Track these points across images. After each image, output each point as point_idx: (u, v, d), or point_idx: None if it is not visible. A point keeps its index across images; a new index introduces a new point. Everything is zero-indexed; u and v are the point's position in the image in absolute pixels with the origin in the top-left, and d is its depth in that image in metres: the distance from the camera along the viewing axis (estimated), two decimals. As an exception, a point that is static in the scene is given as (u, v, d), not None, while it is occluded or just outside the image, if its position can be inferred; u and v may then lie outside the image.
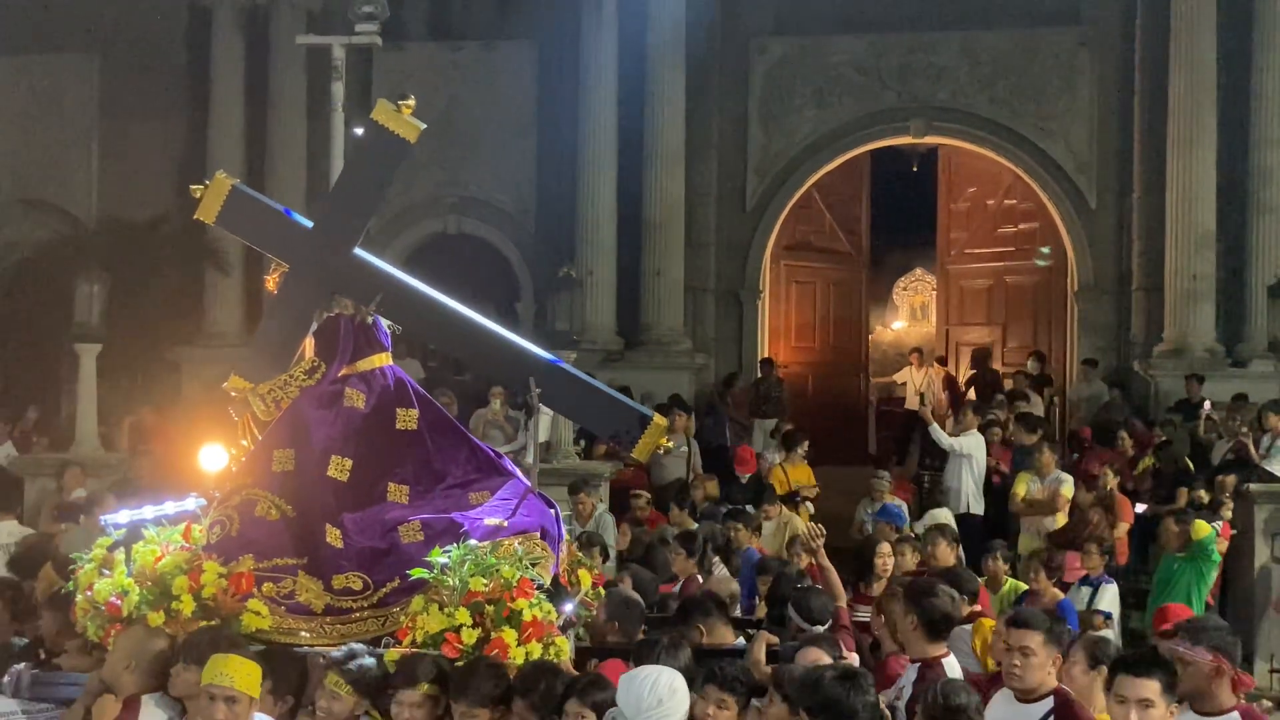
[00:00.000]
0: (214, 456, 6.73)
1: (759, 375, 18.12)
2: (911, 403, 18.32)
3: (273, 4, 18.50)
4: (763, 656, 5.94)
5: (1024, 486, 12.52)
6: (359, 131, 15.80)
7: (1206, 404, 15.00)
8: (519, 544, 5.76)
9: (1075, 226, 18.08)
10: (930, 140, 18.88)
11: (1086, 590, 9.77)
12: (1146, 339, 17.45)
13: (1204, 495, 12.17)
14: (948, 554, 9.12)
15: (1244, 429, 13.65)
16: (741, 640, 6.45)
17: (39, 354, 17.86)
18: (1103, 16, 17.91)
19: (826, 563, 7.36)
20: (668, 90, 17.79)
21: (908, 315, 24.79)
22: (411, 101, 6.48)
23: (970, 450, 13.51)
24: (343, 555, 5.84)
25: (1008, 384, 17.49)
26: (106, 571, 5.83)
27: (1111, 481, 12.40)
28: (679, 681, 4.93)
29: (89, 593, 5.76)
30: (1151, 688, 4.56)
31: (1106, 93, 17.90)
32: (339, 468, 6.07)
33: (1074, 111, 17.96)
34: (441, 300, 6.64)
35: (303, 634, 5.62)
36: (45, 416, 16.27)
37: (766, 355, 18.88)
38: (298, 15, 18.27)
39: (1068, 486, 12.19)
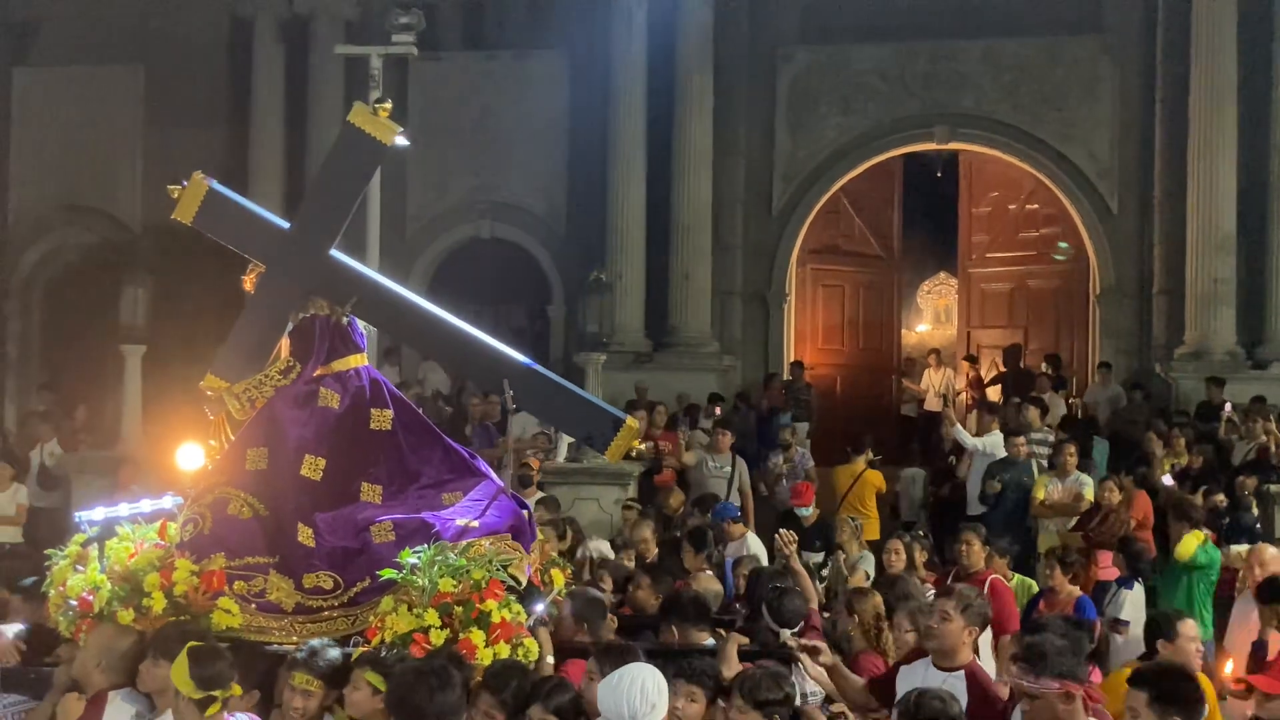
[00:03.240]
0: (191, 455, 6.66)
1: (788, 378, 18.32)
2: (931, 403, 18.46)
3: (312, 15, 18.91)
4: (734, 656, 5.88)
5: (1043, 489, 12.56)
6: (396, 140, 16.27)
7: (1227, 406, 15.08)
8: (489, 544, 5.77)
9: (1097, 231, 18.21)
10: (954, 146, 19.04)
11: (1113, 590, 9.69)
12: (1167, 342, 17.57)
13: (1222, 500, 12.17)
14: (979, 555, 9.15)
15: (1270, 428, 13.78)
16: (712, 640, 6.38)
17: (86, 355, 18.31)
18: (1124, 24, 18.03)
19: (798, 566, 7.46)
20: (696, 97, 18.08)
21: (931, 318, 24.86)
22: (388, 105, 6.46)
23: (991, 449, 13.64)
24: (314, 554, 5.83)
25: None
26: (80, 568, 5.89)
27: (1128, 480, 12.53)
28: (661, 679, 4.88)
29: (62, 588, 5.82)
30: (1139, 698, 4.65)
31: (1128, 99, 18.03)
32: (312, 467, 6.07)
33: (1096, 118, 18.10)
34: (417, 302, 6.71)
35: (273, 632, 5.63)
36: (91, 415, 16.70)
37: (796, 358, 19.05)
38: (336, 26, 18.65)
39: (1089, 489, 12.21)
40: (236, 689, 4.98)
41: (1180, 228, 17.29)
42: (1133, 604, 9.45)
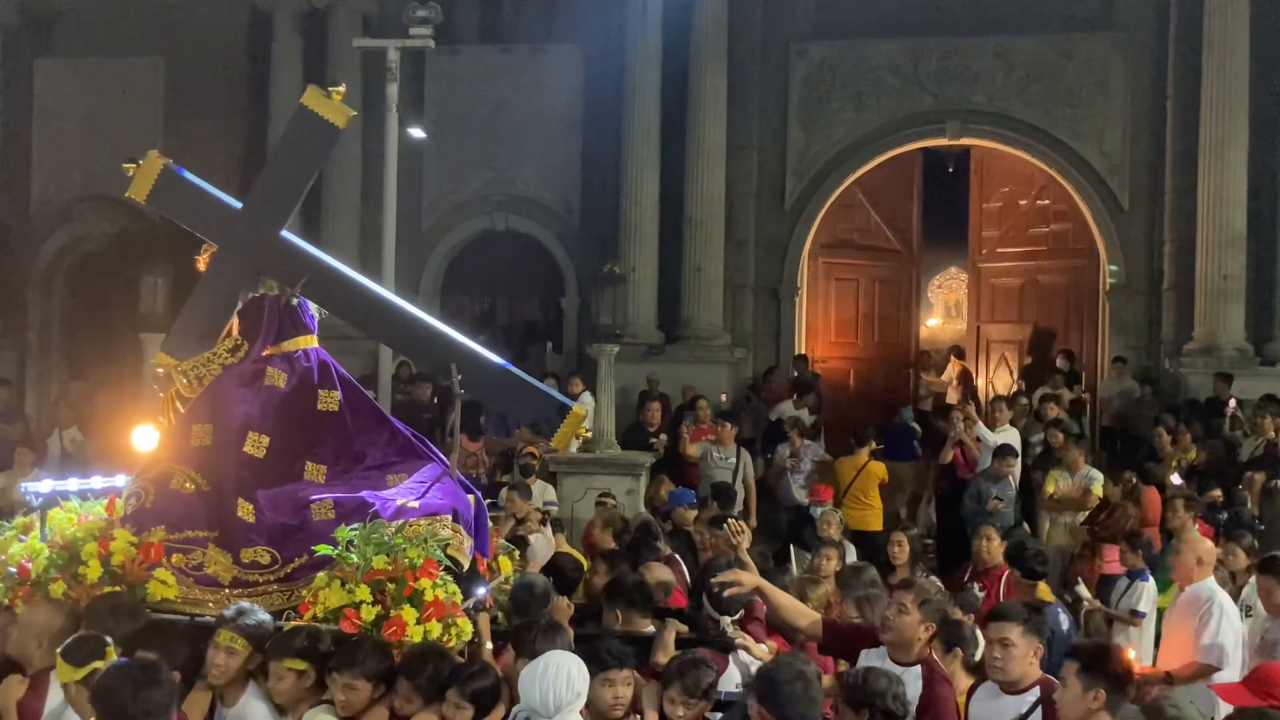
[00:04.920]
0: (146, 436, 6.68)
1: (794, 372, 18.43)
2: (954, 399, 18.47)
3: (330, 8, 19.06)
4: (671, 643, 5.91)
5: (1053, 483, 12.62)
6: (412, 132, 16.45)
7: (1232, 402, 15.11)
8: (427, 525, 5.78)
9: (1108, 227, 18.26)
10: (966, 142, 19.06)
11: (1123, 584, 9.77)
12: (1177, 338, 17.65)
13: (1219, 494, 12.15)
14: (998, 550, 9.21)
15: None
16: (653, 628, 6.32)
17: (106, 342, 18.59)
18: (1136, 21, 18.06)
19: (747, 558, 7.36)
20: (709, 92, 18.20)
21: (942, 313, 24.97)
22: (342, 88, 6.59)
23: (1008, 443, 13.63)
24: (254, 530, 5.90)
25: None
26: (25, 538, 6.04)
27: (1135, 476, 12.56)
28: (584, 667, 4.91)
29: (4, 557, 5.94)
30: (1070, 668, 4.78)
31: (1139, 96, 18.07)
32: (255, 444, 6.15)
33: (1107, 114, 18.13)
34: (366, 285, 6.79)
35: (208, 605, 5.67)
36: (111, 402, 16.91)
37: (806, 351, 19.12)
38: (354, 19, 18.84)
39: (1098, 484, 12.27)
40: (111, 652, 4.99)
41: (1190, 224, 17.33)
42: (1148, 597, 9.55)
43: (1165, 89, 17.92)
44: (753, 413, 16.48)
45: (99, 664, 4.85)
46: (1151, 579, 9.71)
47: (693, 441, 14.09)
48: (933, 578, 8.57)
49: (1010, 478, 12.71)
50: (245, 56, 19.62)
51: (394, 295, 6.87)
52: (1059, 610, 8.10)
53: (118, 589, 5.64)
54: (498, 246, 19.71)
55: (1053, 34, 18.23)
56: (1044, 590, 8.20)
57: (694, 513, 10.69)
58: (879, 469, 13.43)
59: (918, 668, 5.46)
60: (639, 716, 5.29)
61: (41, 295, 20.55)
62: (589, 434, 11.45)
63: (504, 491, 11.15)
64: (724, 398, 16.44)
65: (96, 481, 6.56)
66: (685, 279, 18.29)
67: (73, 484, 6.47)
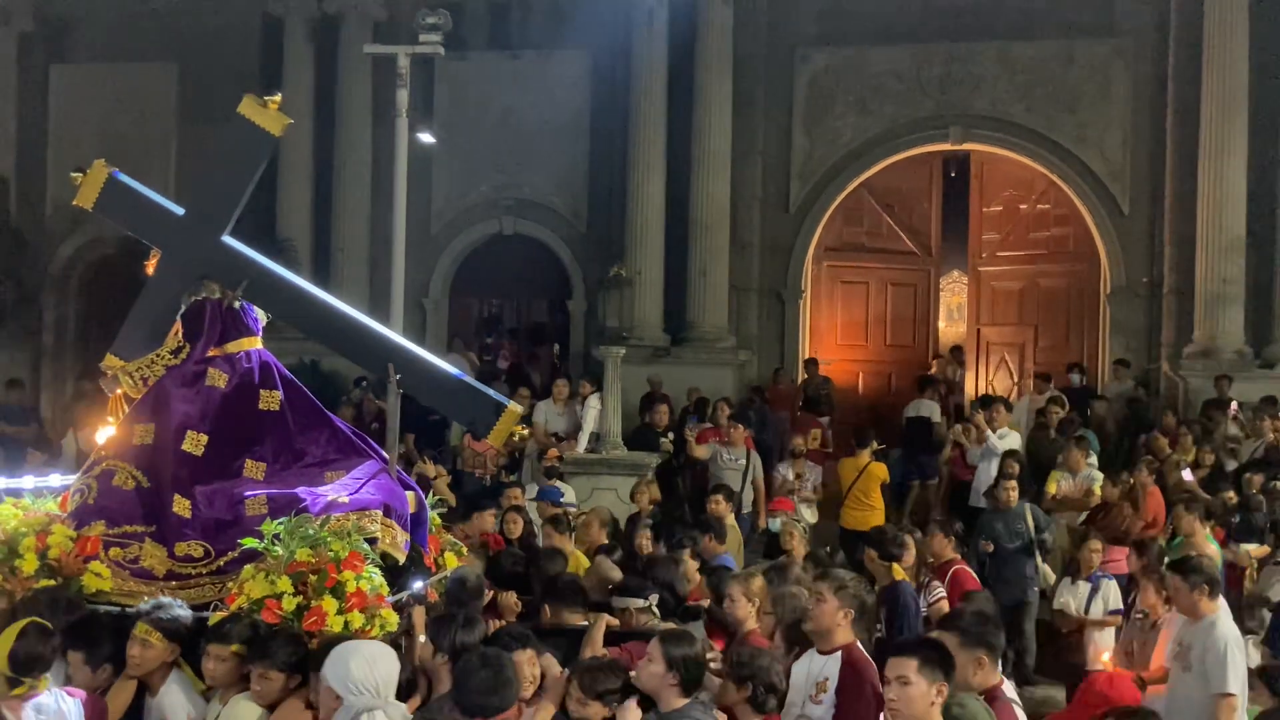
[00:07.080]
0: (107, 435, 6.81)
1: (805, 376, 18.54)
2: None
3: (341, 15, 19.28)
4: (599, 638, 6.00)
5: (1055, 484, 12.74)
6: (422, 137, 16.63)
7: (1233, 404, 15.27)
8: (354, 519, 5.94)
9: (1108, 231, 18.39)
10: (968, 146, 19.18)
11: (1085, 588, 9.98)
12: (1177, 341, 17.77)
13: (1232, 496, 12.19)
14: (942, 545, 9.30)
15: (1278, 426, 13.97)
16: (586, 623, 6.44)
17: (120, 345, 18.75)
18: (1137, 27, 18.19)
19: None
20: (715, 97, 18.38)
21: (945, 315, 25.03)
22: (278, 97, 6.80)
23: (1011, 446, 13.48)
24: (189, 525, 6.09)
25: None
26: None
27: (1144, 476, 12.61)
28: (391, 653, 5.05)
29: None
30: (909, 665, 4.77)
31: (1140, 101, 18.19)
32: (194, 442, 6.32)
33: (1108, 119, 18.26)
34: (306, 288, 6.96)
35: (143, 597, 5.78)
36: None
37: (812, 355, 19.21)
38: (365, 25, 19.01)
39: (1099, 484, 12.34)
40: (44, 682, 5.14)
41: (1190, 229, 17.45)
42: (1115, 594, 9.88)
43: (1166, 94, 18.04)
44: (759, 417, 16.61)
45: (28, 680, 5.05)
46: (1113, 578, 9.97)
47: (701, 443, 14.16)
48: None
49: (1028, 510, 11.58)
50: (257, 62, 19.78)
51: (332, 298, 7.00)
52: (909, 588, 8.33)
53: (54, 582, 5.82)
54: (506, 250, 19.89)
55: (1054, 39, 18.36)
56: (897, 570, 8.36)
57: (555, 509, 10.63)
58: (880, 470, 13.49)
59: (839, 654, 5.63)
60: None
61: (56, 298, 20.79)
62: (526, 432, 11.50)
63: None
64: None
65: (54, 479, 6.76)
66: (690, 282, 18.47)
67: (28, 481, 6.66)
